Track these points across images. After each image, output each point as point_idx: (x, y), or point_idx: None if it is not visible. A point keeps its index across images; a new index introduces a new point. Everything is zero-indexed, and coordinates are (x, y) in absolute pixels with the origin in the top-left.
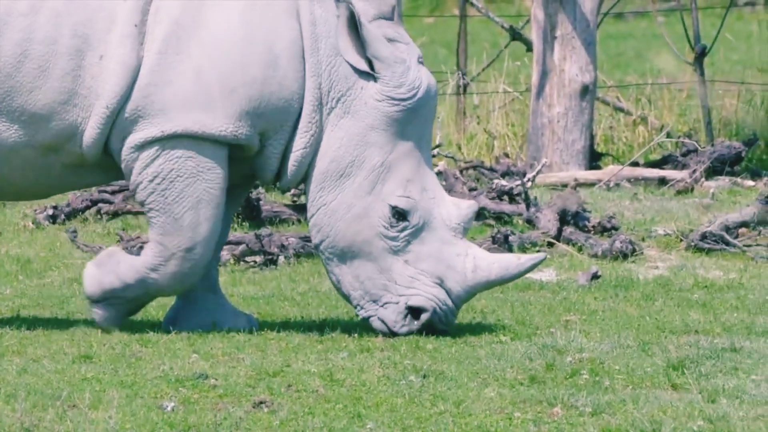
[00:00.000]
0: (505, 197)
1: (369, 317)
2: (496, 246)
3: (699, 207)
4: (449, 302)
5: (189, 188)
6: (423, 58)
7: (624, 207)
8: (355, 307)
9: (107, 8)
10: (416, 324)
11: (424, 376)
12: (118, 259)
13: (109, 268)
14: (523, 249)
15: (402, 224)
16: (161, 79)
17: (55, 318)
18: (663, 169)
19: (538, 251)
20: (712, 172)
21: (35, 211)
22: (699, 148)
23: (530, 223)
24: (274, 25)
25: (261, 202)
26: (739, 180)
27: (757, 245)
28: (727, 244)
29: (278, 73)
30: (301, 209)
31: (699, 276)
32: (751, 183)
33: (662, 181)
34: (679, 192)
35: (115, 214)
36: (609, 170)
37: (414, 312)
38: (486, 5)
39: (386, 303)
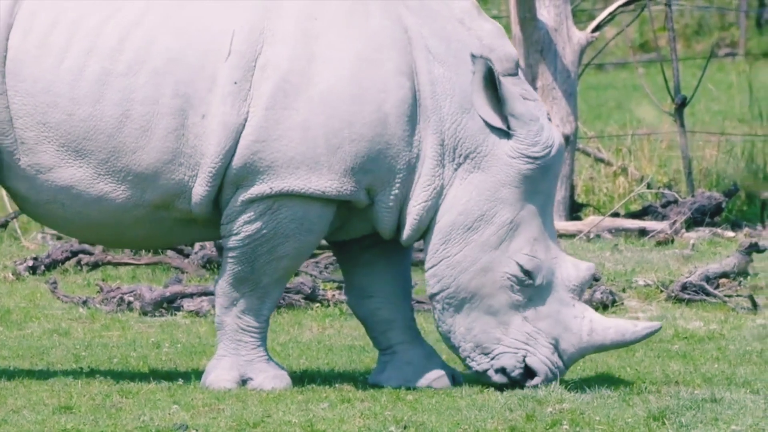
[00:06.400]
0: None
1: (484, 371)
2: None
3: (679, 258)
4: (561, 364)
5: (280, 246)
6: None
7: (604, 258)
8: (464, 360)
9: (208, 67)
10: (528, 381)
11: (405, 427)
12: None
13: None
14: None
15: (527, 282)
16: (269, 135)
17: (35, 369)
18: (643, 220)
19: None
20: (692, 223)
21: (15, 262)
22: (679, 198)
23: None
24: (385, 83)
25: None
26: (719, 231)
27: (738, 296)
28: (708, 294)
29: (386, 131)
30: None
31: (679, 327)
32: (731, 234)
33: (642, 232)
34: (659, 243)
35: (95, 265)
36: (589, 221)
37: (527, 369)
38: None
39: (500, 354)
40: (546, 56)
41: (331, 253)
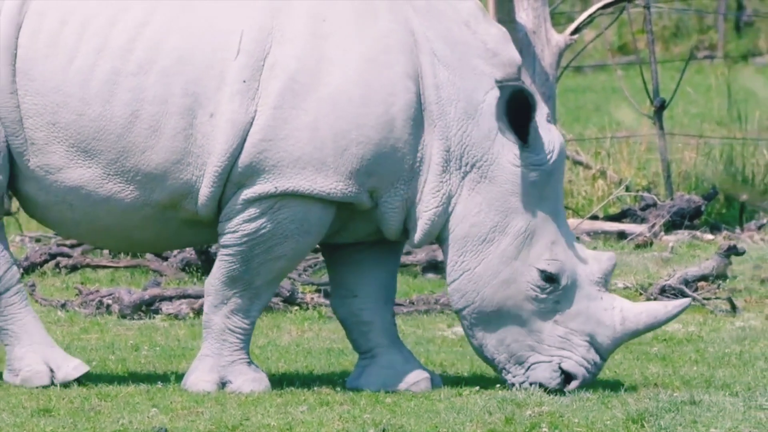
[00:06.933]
0: None
1: (520, 384)
2: None
3: (658, 261)
4: (598, 360)
5: (278, 246)
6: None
7: None
8: (500, 372)
9: (217, 66)
10: (566, 387)
11: (384, 430)
12: None
13: None
14: None
15: (552, 287)
16: (276, 134)
17: None
18: (622, 223)
19: None
20: (671, 226)
21: None
22: (658, 201)
23: None
24: (392, 86)
25: None
26: (698, 234)
27: (717, 298)
28: (687, 297)
29: (393, 135)
30: None
31: (658, 329)
32: (710, 237)
33: (621, 235)
34: (638, 246)
35: (73, 268)
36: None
37: (565, 374)
38: None
39: (534, 364)
40: (524, 59)
41: (310, 257)
